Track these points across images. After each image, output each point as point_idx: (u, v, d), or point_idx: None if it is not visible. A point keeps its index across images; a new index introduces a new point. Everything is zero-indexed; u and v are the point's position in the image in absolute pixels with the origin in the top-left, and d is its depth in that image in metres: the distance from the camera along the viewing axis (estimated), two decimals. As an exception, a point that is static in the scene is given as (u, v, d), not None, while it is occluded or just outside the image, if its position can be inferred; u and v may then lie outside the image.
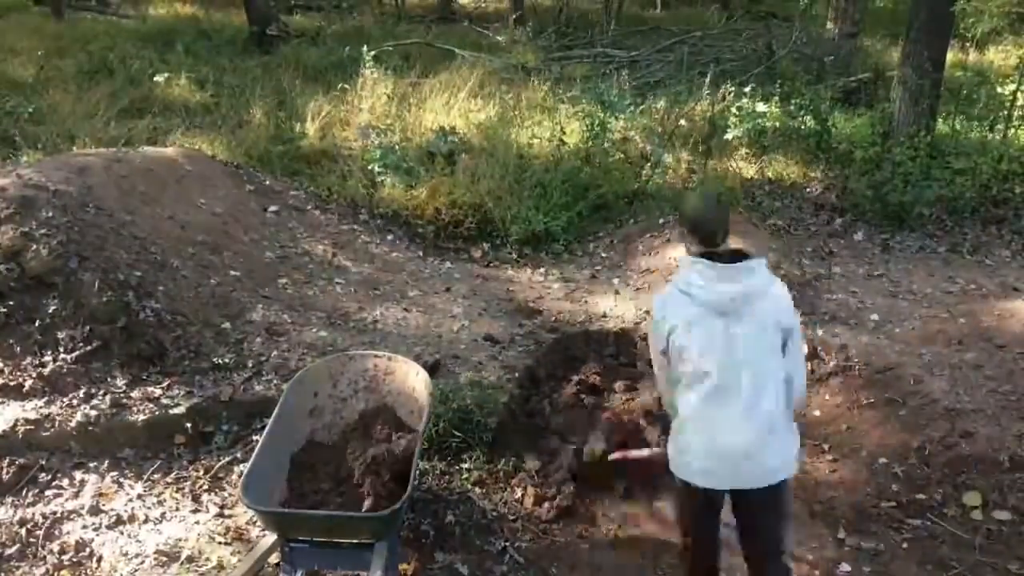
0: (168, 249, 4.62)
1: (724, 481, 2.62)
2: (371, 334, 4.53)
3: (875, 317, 4.84)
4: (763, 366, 2.56)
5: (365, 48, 8.41)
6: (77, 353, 3.89)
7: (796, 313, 2.66)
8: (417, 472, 3.05)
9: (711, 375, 2.57)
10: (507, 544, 3.45)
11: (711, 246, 2.64)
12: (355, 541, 2.91)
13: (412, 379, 3.46)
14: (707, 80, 8.63)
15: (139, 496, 3.52)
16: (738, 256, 2.60)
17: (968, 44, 11.18)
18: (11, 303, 3.94)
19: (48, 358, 3.86)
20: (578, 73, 9.11)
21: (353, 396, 3.48)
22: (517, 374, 4.30)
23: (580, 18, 13.93)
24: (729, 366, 2.55)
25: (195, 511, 3.47)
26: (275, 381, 3.97)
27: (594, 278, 5.48)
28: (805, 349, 2.63)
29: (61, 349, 3.89)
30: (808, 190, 6.93)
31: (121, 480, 3.59)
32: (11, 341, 3.89)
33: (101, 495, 3.51)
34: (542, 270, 5.71)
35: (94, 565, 3.23)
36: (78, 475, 3.58)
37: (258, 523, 3.33)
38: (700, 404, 2.60)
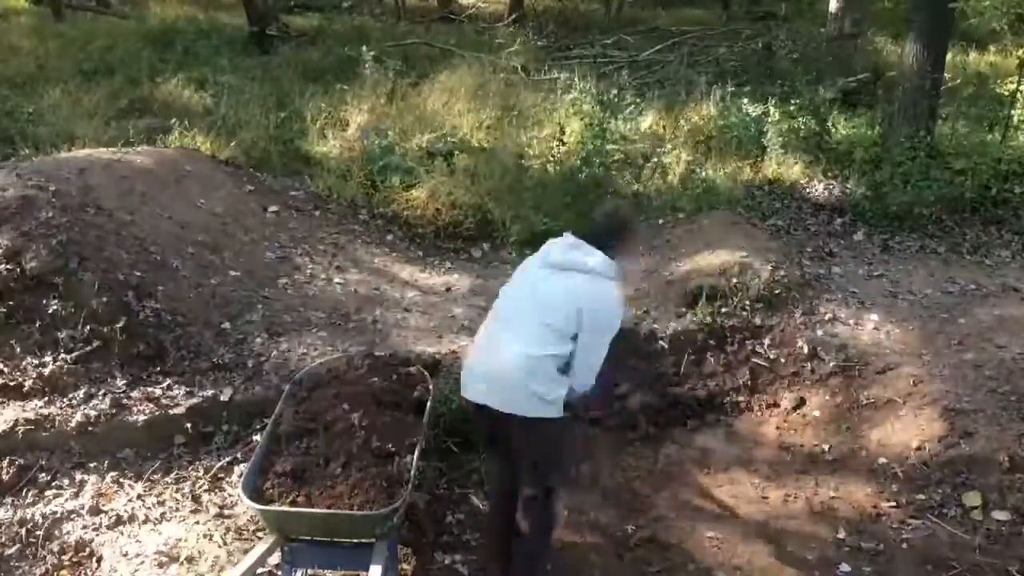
0: (168, 249, 4.61)
1: (479, 397, 2.94)
2: (371, 334, 4.53)
3: (875, 317, 4.84)
4: (542, 324, 2.87)
5: (365, 48, 8.41)
6: (77, 353, 3.89)
7: (602, 325, 2.88)
8: (417, 471, 3.05)
9: (503, 307, 3.05)
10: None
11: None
12: (355, 540, 2.91)
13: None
14: (706, 80, 8.63)
15: (139, 496, 3.52)
16: (593, 239, 3.00)
17: (968, 44, 11.18)
18: (11, 303, 3.94)
19: (48, 358, 3.86)
20: (578, 73, 9.10)
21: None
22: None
23: (580, 18, 13.93)
24: (517, 305, 2.99)
25: (195, 511, 3.47)
26: (275, 381, 3.97)
27: (594, 278, 5.47)
28: (596, 357, 2.90)
29: (61, 349, 3.89)
30: (808, 190, 6.93)
31: (121, 480, 3.59)
32: (11, 341, 3.89)
33: (101, 495, 3.51)
34: (542, 270, 5.71)
35: (94, 565, 3.24)
36: (78, 475, 3.59)
37: (258, 523, 3.33)
38: (484, 330, 3.08)
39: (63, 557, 3.26)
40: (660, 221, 6.06)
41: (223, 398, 3.88)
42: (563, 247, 3.00)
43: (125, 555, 3.25)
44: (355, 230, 5.94)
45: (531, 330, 2.88)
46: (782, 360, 4.58)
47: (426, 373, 3.52)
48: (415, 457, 3.03)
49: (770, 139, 7.24)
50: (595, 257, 2.93)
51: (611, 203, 3.06)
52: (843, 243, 6.14)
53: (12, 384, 3.78)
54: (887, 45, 10.95)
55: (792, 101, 7.74)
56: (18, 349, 3.88)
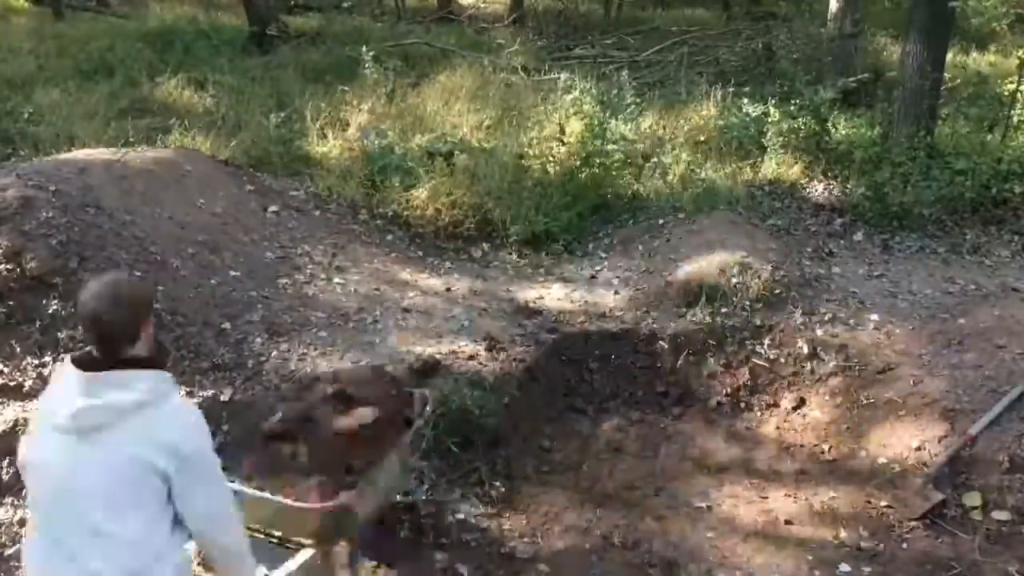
0: (168, 249, 4.62)
1: None
2: (371, 334, 4.53)
3: (875, 317, 4.84)
4: (103, 516, 1.86)
5: (365, 48, 8.41)
6: (77, 353, 3.88)
7: (197, 443, 1.98)
8: (371, 483, 2.98)
9: (38, 511, 1.98)
10: (507, 544, 3.46)
11: (98, 353, 1.94)
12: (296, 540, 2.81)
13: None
14: (706, 80, 8.63)
15: (139, 496, 3.51)
16: (122, 364, 1.91)
17: (968, 44, 11.17)
18: (11, 303, 3.94)
19: (48, 358, 3.86)
20: (578, 73, 9.10)
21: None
22: (517, 375, 4.30)
23: (580, 18, 13.93)
24: (58, 505, 1.90)
25: (195, 511, 3.46)
26: (275, 381, 3.97)
27: (594, 278, 5.48)
28: (222, 495, 2.04)
29: (61, 349, 3.89)
30: (808, 190, 6.93)
31: (121, 480, 3.58)
32: (11, 341, 3.89)
33: (101, 495, 3.50)
34: (542, 270, 5.71)
35: (94, 565, 3.23)
36: (78, 475, 3.58)
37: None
38: (29, 546, 2.00)
39: (63, 557, 3.26)
40: (660, 222, 6.07)
41: (223, 398, 3.88)
42: (74, 394, 1.88)
43: (125, 555, 3.25)
44: (355, 230, 5.94)
45: (83, 548, 1.91)
46: (782, 360, 4.58)
47: (427, 394, 3.39)
48: (379, 470, 2.97)
49: (770, 139, 7.24)
50: (125, 388, 1.88)
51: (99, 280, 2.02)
52: (843, 243, 6.14)
53: (12, 384, 3.78)
54: (887, 45, 10.94)
55: (792, 101, 7.73)
56: (18, 349, 3.88)
